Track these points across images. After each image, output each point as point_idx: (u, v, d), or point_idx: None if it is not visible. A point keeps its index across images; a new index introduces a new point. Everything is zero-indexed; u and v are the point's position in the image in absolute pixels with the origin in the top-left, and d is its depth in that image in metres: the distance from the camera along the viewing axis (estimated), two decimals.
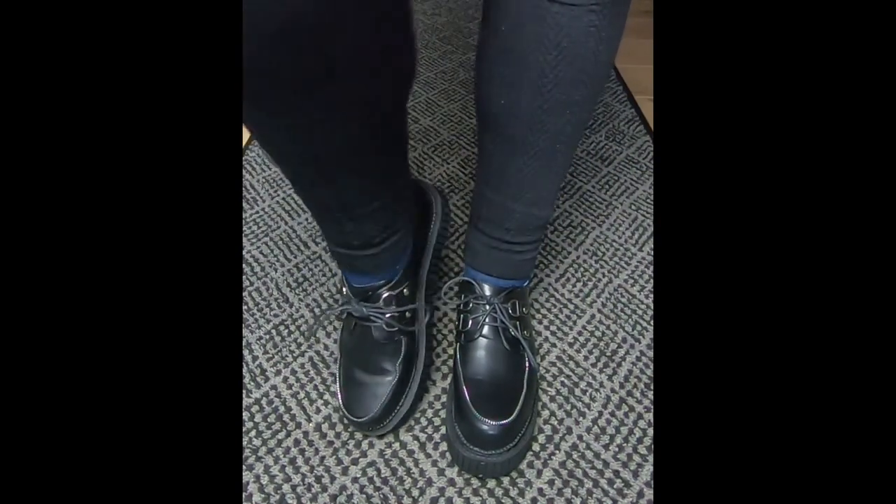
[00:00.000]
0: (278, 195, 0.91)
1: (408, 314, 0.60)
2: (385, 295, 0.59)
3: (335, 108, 0.39)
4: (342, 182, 0.46)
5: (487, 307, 0.60)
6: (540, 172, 0.55)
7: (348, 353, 0.60)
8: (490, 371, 0.58)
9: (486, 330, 0.59)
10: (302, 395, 0.62)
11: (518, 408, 0.55)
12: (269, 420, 0.59)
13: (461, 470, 0.55)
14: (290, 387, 0.62)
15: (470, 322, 0.60)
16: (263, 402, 0.61)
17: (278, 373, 0.64)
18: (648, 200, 0.90)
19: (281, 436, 0.58)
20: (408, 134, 0.50)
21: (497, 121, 0.52)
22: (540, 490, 0.54)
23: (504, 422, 0.53)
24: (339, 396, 0.59)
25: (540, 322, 0.70)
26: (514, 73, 0.48)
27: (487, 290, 0.61)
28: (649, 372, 0.64)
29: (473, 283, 0.62)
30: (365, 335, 0.60)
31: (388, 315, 0.58)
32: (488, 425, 0.53)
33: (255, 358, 0.65)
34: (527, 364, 0.59)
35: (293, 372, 0.64)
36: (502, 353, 0.59)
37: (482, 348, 0.59)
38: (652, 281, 0.75)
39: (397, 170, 0.52)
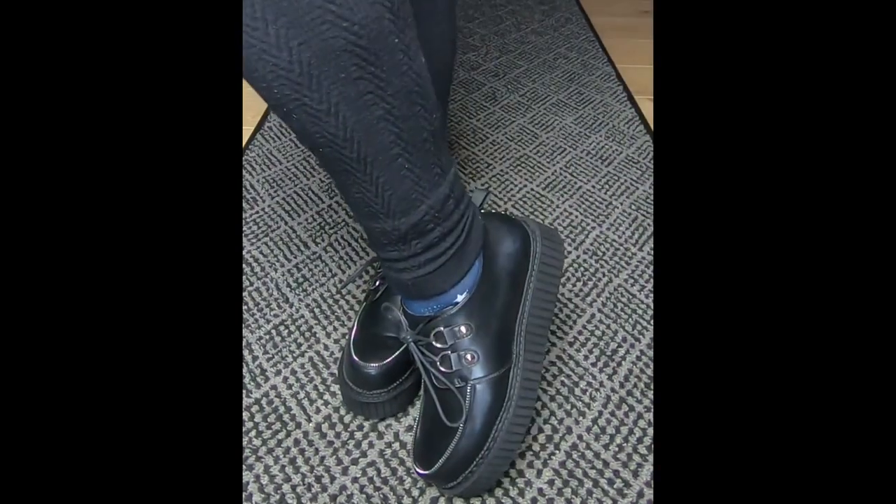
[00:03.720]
0: (278, 195, 0.91)
1: None
2: None
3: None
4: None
5: (403, 344, 0.53)
6: (349, 188, 0.45)
7: (365, 320, 0.61)
8: (424, 416, 0.53)
9: (418, 371, 0.53)
10: (302, 395, 0.62)
11: (443, 458, 0.49)
12: (269, 420, 0.59)
13: None
14: (290, 387, 0.62)
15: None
16: (263, 402, 0.61)
17: (278, 373, 0.64)
18: (648, 200, 0.90)
19: (281, 436, 0.58)
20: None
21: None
22: (540, 490, 0.54)
23: (426, 472, 0.50)
24: (349, 355, 0.59)
25: None
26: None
27: (406, 321, 0.53)
28: (649, 372, 0.64)
29: (394, 309, 0.55)
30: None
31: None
32: (420, 473, 0.50)
33: (255, 358, 0.65)
34: (464, 410, 0.50)
35: (293, 372, 0.64)
36: (430, 397, 0.52)
37: (424, 389, 0.53)
38: (652, 281, 0.75)
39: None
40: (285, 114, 0.40)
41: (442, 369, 0.50)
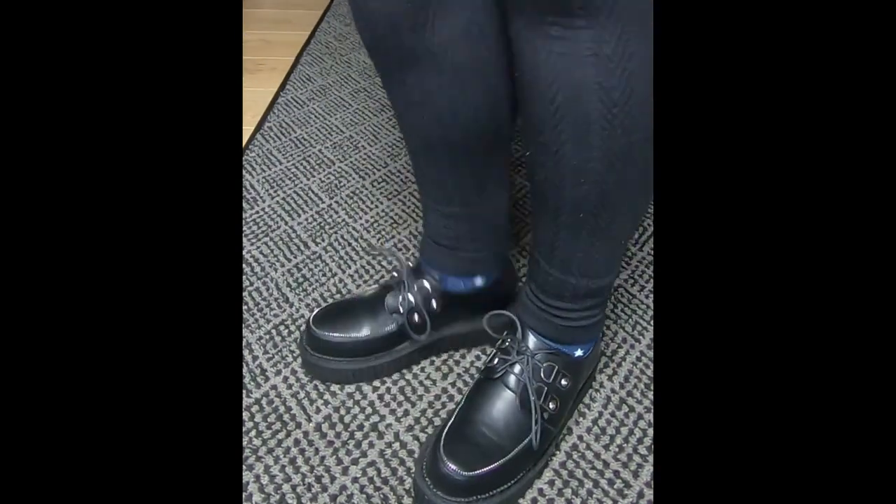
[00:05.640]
0: (278, 195, 0.91)
1: (417, 318, 0.61)
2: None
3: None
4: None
5: (519, 355, 0.54)
6: (567, 241, 0.48)
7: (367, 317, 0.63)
8: (484, 418, 0.53)
9: (507, 377, 0.54)
10: (302, 395, 0.62)
11: (489, 467, 0.50)
12: (269, 420, 0.59)
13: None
14: (290, 387, 0.62)
15: (497, 360, 0.56)
16: (263, 402, 0.61)
17: (278, 373, 0.64)
18: None
19: (281, 436, 0.58)
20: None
21: (529, 176, 0.49)
22: (540, 490, 0.54)
23: (464, 472, 0.49)
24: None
25: None
26: (523, 124, 0.44)
27: (530, 341, 0.55)
28: (649, 372, 0.64)
29: (519, 326, 0.55)
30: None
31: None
32: (450, 469, 0.50)
33: (255, 358, 0.65)
34: (528, 437, 0.52)
35: (293, 372, 0.64)
36: (509, 409, 0.53)
37: (492, 393, 0.54)
38: (652, 281, 0.75)
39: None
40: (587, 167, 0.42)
41: (534, 396, 0.53)
